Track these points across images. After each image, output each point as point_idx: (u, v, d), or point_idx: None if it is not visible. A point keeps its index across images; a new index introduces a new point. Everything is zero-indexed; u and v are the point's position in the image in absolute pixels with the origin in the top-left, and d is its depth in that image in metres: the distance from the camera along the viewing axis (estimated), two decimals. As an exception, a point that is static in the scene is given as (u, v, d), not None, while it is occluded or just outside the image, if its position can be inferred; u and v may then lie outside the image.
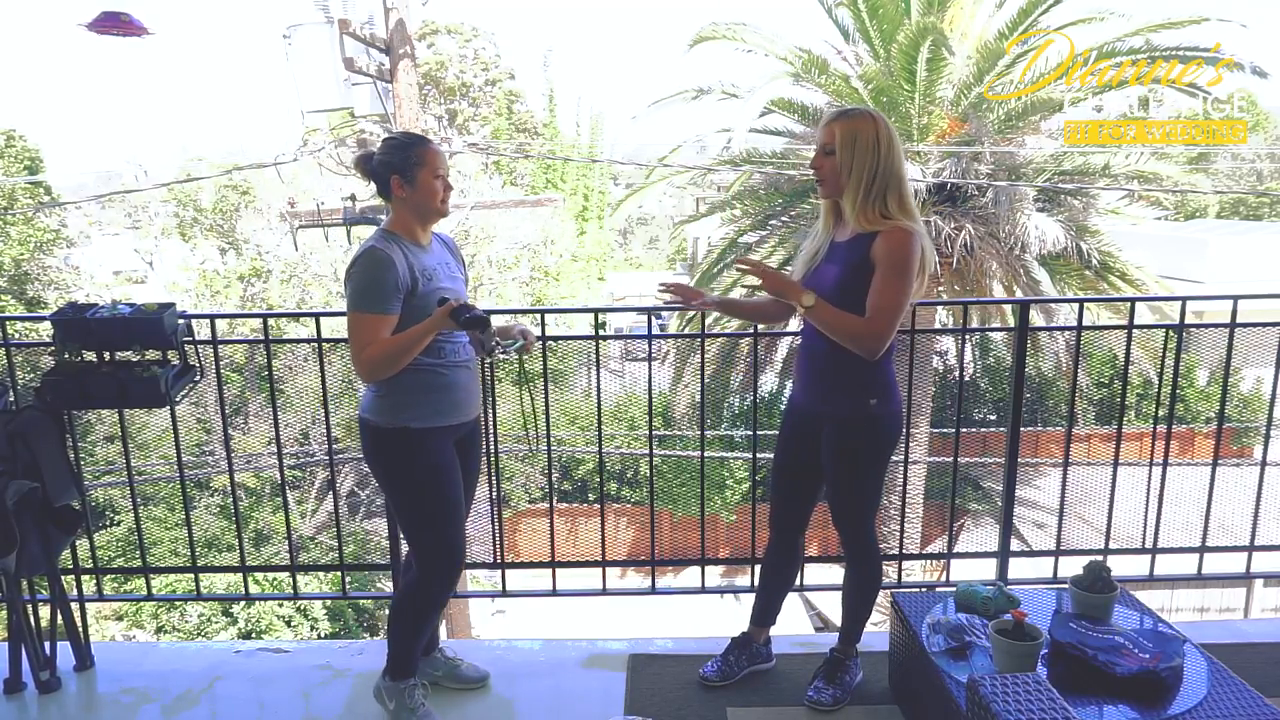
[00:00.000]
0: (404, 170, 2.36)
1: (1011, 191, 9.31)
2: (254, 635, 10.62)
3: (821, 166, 2.40)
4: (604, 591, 3.43)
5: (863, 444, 2.50)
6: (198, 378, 2.98)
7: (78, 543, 3.11)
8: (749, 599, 2.94)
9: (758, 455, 3.84)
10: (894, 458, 2.69)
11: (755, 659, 2.82)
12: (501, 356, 2.42)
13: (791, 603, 3.00)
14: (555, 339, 3.37)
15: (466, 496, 2.63)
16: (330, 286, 13.52)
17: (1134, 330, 3.60)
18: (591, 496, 14.87)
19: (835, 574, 3.09)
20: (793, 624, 3.08)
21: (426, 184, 2.37)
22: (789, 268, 2.65)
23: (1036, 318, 9.53)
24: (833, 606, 12.23)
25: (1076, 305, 4.37)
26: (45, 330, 9.70)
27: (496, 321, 2.88)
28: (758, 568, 3.39)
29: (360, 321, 2.29)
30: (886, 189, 2.34)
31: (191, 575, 3.49)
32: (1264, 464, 3.47)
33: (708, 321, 11.17)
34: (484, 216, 14.76)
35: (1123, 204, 10.72)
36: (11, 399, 2.88)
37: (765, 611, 2.84)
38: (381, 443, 2.43)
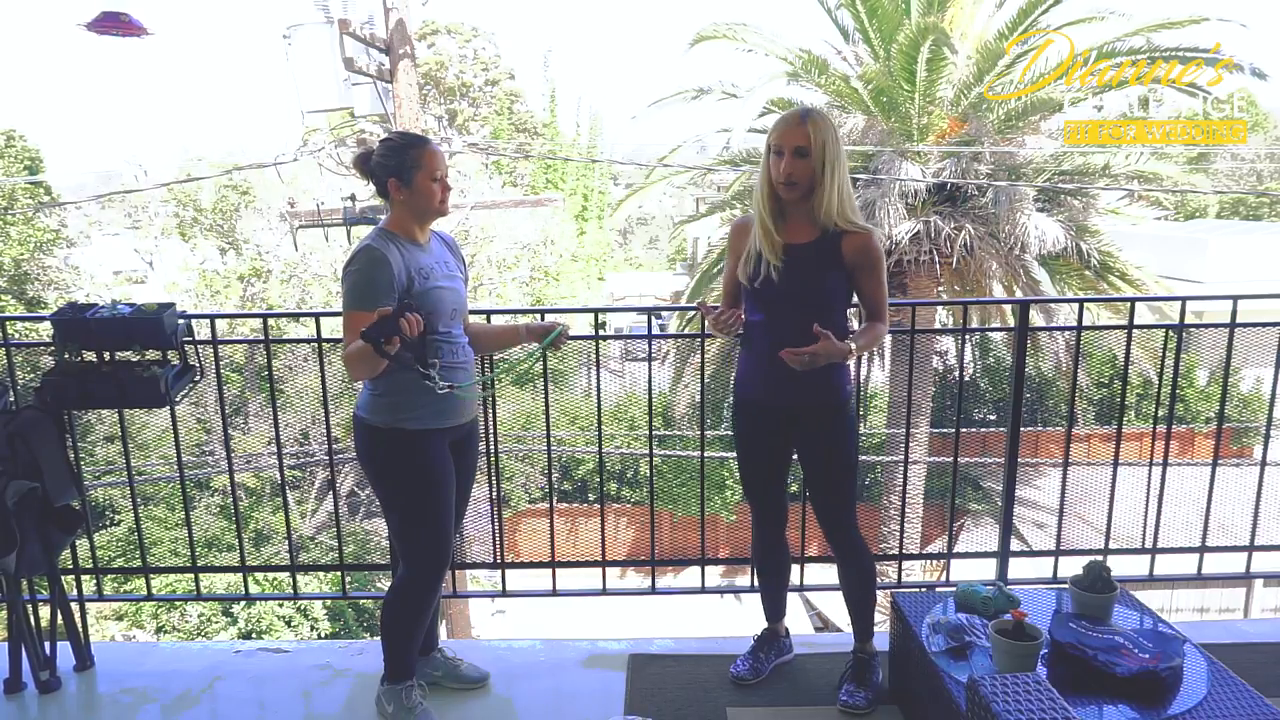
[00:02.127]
0: (400, 173, 2.35)
1: (1011, 191, 9.30)
2: (254, 635, 10.62)
3: (796, 169, 2.38)
4: (604, 591, 3.43)
5: (843, 435, 2.55)
6: (198, 378, 2.98)
7: (78, 543, 3.10)
8: (749, 599, 2.95)
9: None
10: (894, 458, 2.70)
11: (781, 652, 2.87)
12: (424, 379, 2.25)
13: (791, 603, 3.00)
14: (555, 339, 3.37)
15: (462, 497, 2.63)
16: (330, 286, 13.52)
17: (1134, 330, 3.60)
18: (591, 496, 14.87)
19: (835, 574, 3.09)
20: (792, 624, 3.08)
21: (424, 186, 2.36)
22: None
23: (1036, 318, 9.53)
24: (832, 606, 12.24)
25: (1076, 305, 4.37)
26: (45, 330, 9.70)
27: (497, 320, 2.88)
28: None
29: (351, 319, 2.29)
30: (849, 187, 2.41)
31: (191, 575, 3.49)
32: (1264, 464, 3.47)
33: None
34: (484, 216, 14.77)
35: (1123, 204, 10.72)
36: (11, 399, 2.88)
37: (776, 606, 2.88)
38: (375, 442, 2.43)
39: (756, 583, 2.91)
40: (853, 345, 2.37)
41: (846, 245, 2.40)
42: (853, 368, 2.62)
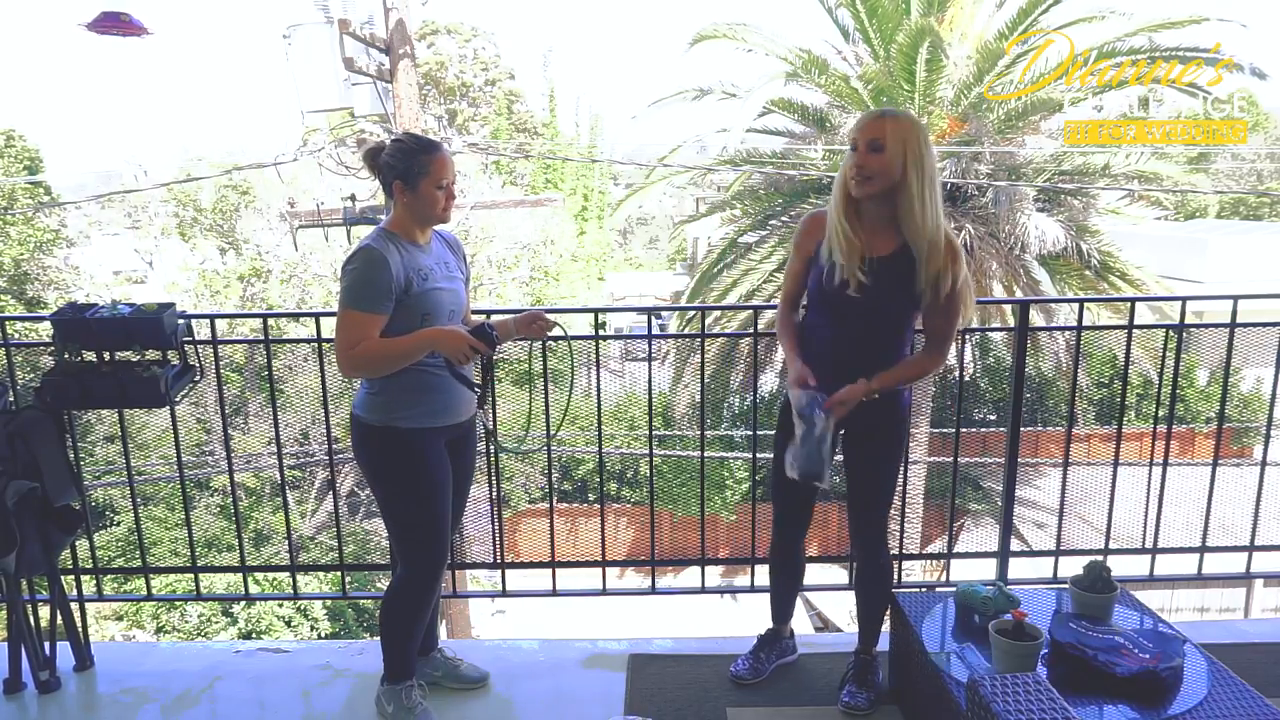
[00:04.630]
0: (407, 176, 2.35)
1: (1011, 191, 9.30)
2: (254, 635, 10.62)
3: (869, 162, 2.27)
4: (604, 591, 3.43)
5: (895, 443, 2.53)
6: (198, 378, 2.98)
7: (78, 543, 3.10)
8: (748, 599, 2.95)
9: (758, 455, 3.84)
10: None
11: (784, 653, 2.86)
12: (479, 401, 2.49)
13: (791, 603, 2.98)
14: (555, 339, 3.36)
15: (459, 496, 2.63)
16: (330, 286, 13.52)
17: (1134, 330, 3.60)
18: (591, 496, 14.87)
19: (835, 574, 3.09)
20: (792, 623, 3.09)
21: (428, 193, 2.36)
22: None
23: (1036, 318, 9.53)
24: (832, 606, 12.24)
25: (1076, 305, 4.37)
26: (45, 330, 9.70)
27: (496, 320, 2.87)
28: (758, 568, 3.39)
29: (349, 318, 2.29)
30: (938, 203, 2.29)
31: (191, 575, 3.49)
32: (1264, 464, 3.47)
33: (708, 321, 11.19)
34: (484, 216, 14.77)
35: (1123, 204, 10.72)
36: (11, 399, 2.88)
37: (784, 608, 2.86)
38: (370, 440, 2.43)
39: (767, 581, 2.86)
40: (872, 383, 2.32)
41: (930, 266, 2.30)
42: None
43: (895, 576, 2.69)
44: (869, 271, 2.33)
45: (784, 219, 10.44)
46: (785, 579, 2.81)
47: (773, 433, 2.71)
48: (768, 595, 2.87)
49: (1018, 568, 3.37)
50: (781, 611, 2.86)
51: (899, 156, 2.25)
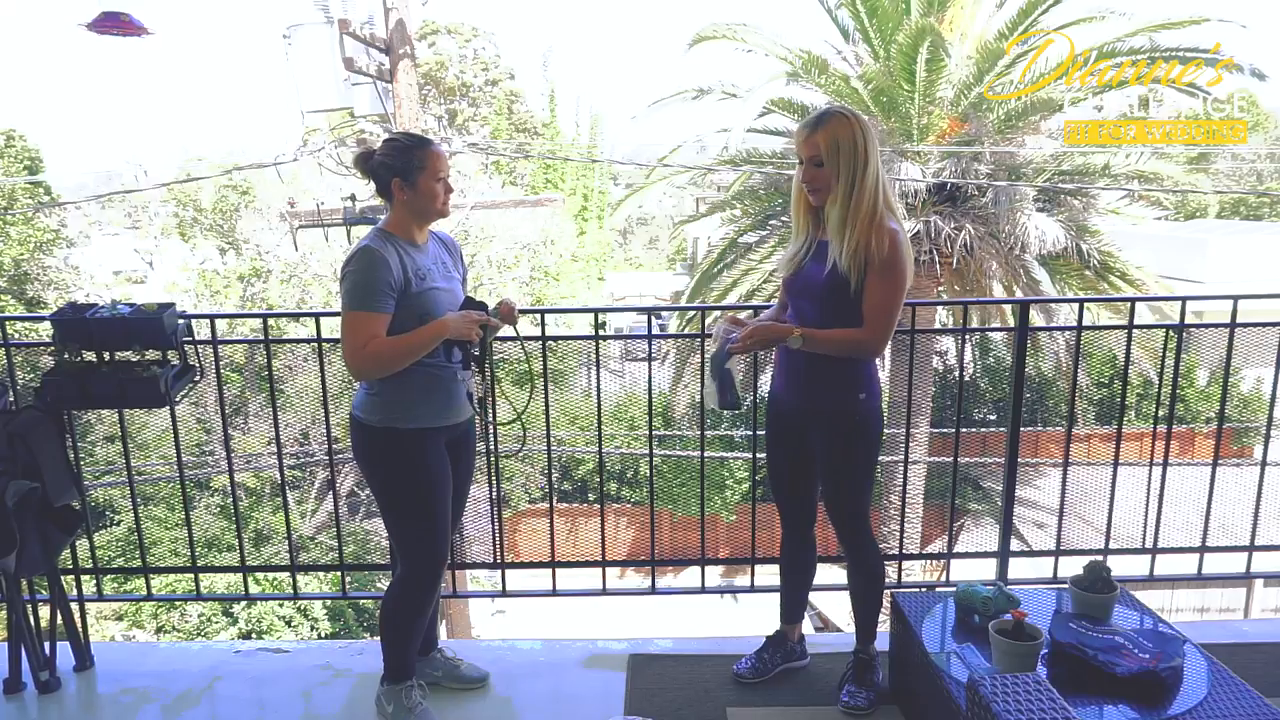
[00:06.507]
0: (405, 173, 2.35)
1: (1011, 191, 9.30)
2: (254, 635, 10.63)
3: (813, 178, 2.39)
4: (604, 591, 3.43)
5: (855, 439, 2.52)
6: (197, 378, 2.98)
7: (78, 543, 3.10)
8: (748, 599, 2.95)
9: (757, 455, 3.84)
10: (894, 458, 2.69)
11: (790, 657, 2.83)
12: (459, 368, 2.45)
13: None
14: (555, 339, 3.36)
15: (459, 496, 2.63)
16: (330, 286, 13.51)
17: (1134, 330, 3.60)
18: (591, 496, 14.87)
19: (835, 574, 3.09)
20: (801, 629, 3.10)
21: (427, 188, 2.37)
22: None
23: (1036, 318, 9.53)
24: (832, 606, 12.24)
25: (1076, 305, 4.37)
26: (45, 330, 9.70)
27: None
28: (758, 568, 3.40)
29: (354, 320, 2.29)
30: (876, 190, 2.35)
31: (191, 575, 3.49)
32: (1264, 464, 3.47)
33: (708, 321, 11.17)
34: (484, 216, 14.76)
35: (1123, 204, 10.71)
36: (11, 399, 2.88)
37: (791, 607, 2.85)
38: (370, 441, 2.44)
39: (771, 581, 2.86)
40: (797, 330, 2.39)
41: (847, 244, 2.35)
42: (880, 373, 2.59)
43: (884, 576, 2.69)
44: (816, 252, 2.46)
45: (784, 219, 10.42)
46: (789, 576, 2.82)
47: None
48: (769, 595, 2.87)
49: (1018, 568, 3.37)
50: (788, 611, 2.85)
51: (834, 163, 2.35)
